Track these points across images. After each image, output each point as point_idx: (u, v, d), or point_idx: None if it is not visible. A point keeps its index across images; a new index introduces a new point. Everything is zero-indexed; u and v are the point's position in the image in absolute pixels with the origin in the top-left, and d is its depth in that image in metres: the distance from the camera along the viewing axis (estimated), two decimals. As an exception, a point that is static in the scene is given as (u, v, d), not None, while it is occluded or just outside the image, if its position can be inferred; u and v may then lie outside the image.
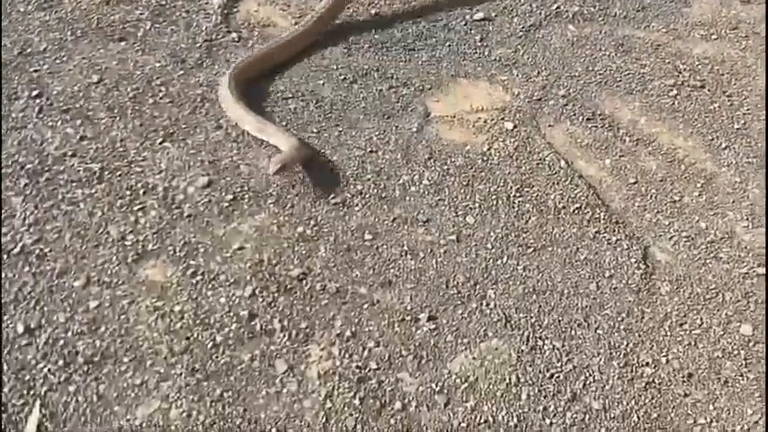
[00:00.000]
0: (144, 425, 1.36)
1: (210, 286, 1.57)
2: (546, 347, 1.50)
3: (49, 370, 1.40)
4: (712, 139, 2.04)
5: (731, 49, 2.33)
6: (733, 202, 1.87)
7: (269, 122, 1.94)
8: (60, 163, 1.83)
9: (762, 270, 1.70)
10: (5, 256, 1.61)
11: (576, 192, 1.83)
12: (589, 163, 1.92)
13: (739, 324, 1.60)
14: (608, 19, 2.42)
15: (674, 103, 2.11)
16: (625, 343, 1.53)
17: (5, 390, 1.37)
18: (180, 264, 1.61)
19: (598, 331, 1.54)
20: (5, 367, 1.40)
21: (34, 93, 2.04)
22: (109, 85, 2.08)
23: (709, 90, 2.18)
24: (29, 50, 2.19)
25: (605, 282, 1.64)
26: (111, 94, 2.05)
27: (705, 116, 2.10)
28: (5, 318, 1.49)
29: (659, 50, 2.31)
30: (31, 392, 1.36)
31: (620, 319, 1.57)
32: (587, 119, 2.05)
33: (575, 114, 2.06)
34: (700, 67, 2.27)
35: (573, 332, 1.54)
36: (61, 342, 1.45)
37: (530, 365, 1.48)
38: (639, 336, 1.54)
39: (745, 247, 1.76)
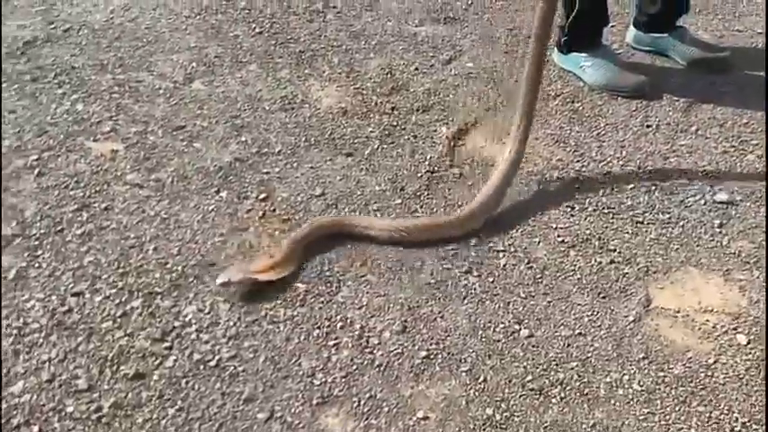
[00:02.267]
0: None
1: (388, 455, 1.49)
2: None
3: None
4: None
5: None
6: None
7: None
8: (270, 276, 1.87)
9: None
10: (202, 367, 1.64)
11: (817, 445, 1.56)
12: (838, 411, 1.64)
13: None
14: None
15: None
16: None
17: None
18: (362, 420, 1.55)
19: None
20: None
21: (262, 195, 2.12)
22: (329, 201, 2.13)
23: None
24: (265, 150, 2.31)
25: None
26: (330, 211, 2.09)
27: None
28: (189, 435, 1.50)
29: None
30: None
31: None
32: (841, 352, 1.76)
33: (825, 343, 1.78)
34: None
35: None
36: (233, 479, 1.43)
37: None
38: None
39: None
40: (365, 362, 1.67)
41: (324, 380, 1.63)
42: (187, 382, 1.60)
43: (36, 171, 2.14)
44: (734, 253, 2.03)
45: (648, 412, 1.61)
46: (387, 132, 2.42)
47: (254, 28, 2.94)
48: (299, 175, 2.22)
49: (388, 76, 2.70)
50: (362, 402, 1.59)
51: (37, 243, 1.91)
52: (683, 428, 1.58)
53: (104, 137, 2.32)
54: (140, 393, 1.57)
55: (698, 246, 2.05)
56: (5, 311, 1.71)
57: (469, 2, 3.18)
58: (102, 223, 2.00)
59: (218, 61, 2.73)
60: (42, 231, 1.95)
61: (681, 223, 2.12)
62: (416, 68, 2.76)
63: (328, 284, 1.86)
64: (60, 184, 2.11)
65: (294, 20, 3.02)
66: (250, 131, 2.39)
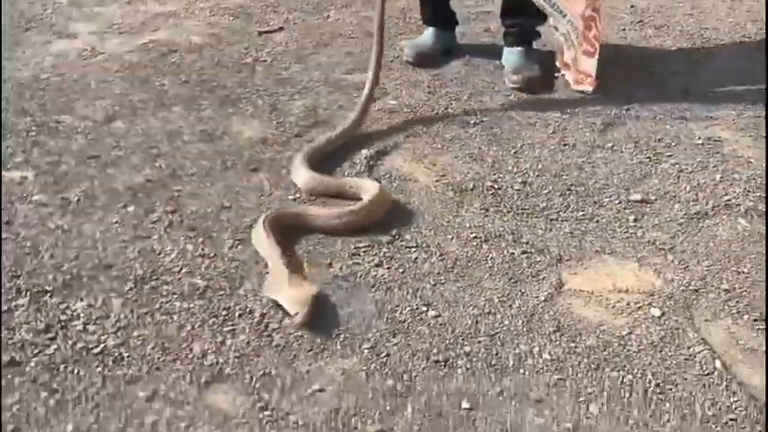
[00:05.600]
0: None
1: (276, 425, 1.38)
2: None
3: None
4: None
5: None
6: None
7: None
8: (169, 274, 1.80)
9: None
10: (85, 353, 1.54)
11: (732, 401, 1.48)
12: (754, 370, 1.57)
13: None
14: (788, 218, 2.12)
15: None
16: None
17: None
18: (252, 395, 1.45)
19: None
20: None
21: (169, 208, 2.08)
22: (239, 213, 2.09)
23: None
24: (179, 173, 2.28)
25: None
26: (240, 221, 2.05)
27: None
28: (60, 416, 1.38)
29: None
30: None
31: None
32: (754, 319, 1.71)
33: (738, 312, 1.74)
34: None
35: None
36: (102, 453, 1.30)
37: None
38: None
39: None
40: (262, 344, 1.59)
41: (215, 360, 1.53)
42: (66, 368, 1.50)
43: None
44: (649, 242, 2.01)
45: (559, 378, 1.53)
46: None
47: (182, 78, 2.99)
48: (211, 192, 2.19)
49: (312, 112, 2.74)
50: (255, 379, 1.49)
51: (-74, 254, 1.83)
52: (593, 391, 1.50)
53: (15, 166, 2.29)
54: (13, 379, 1.46)
55: (613, 237, 2.03)
56: None
57: (396, 54, 3.29)
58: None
59: (142, 105, 2.75)
60: (-66, 243, 1.87)
61: (596, 219, 2.11)
62: (340, 106, 2.80)
63: (231, 281, 1.79)
64: (-38, 205, 2.05)
65: (223, 71, 3.08)
66: (165, 159, 2.37)
